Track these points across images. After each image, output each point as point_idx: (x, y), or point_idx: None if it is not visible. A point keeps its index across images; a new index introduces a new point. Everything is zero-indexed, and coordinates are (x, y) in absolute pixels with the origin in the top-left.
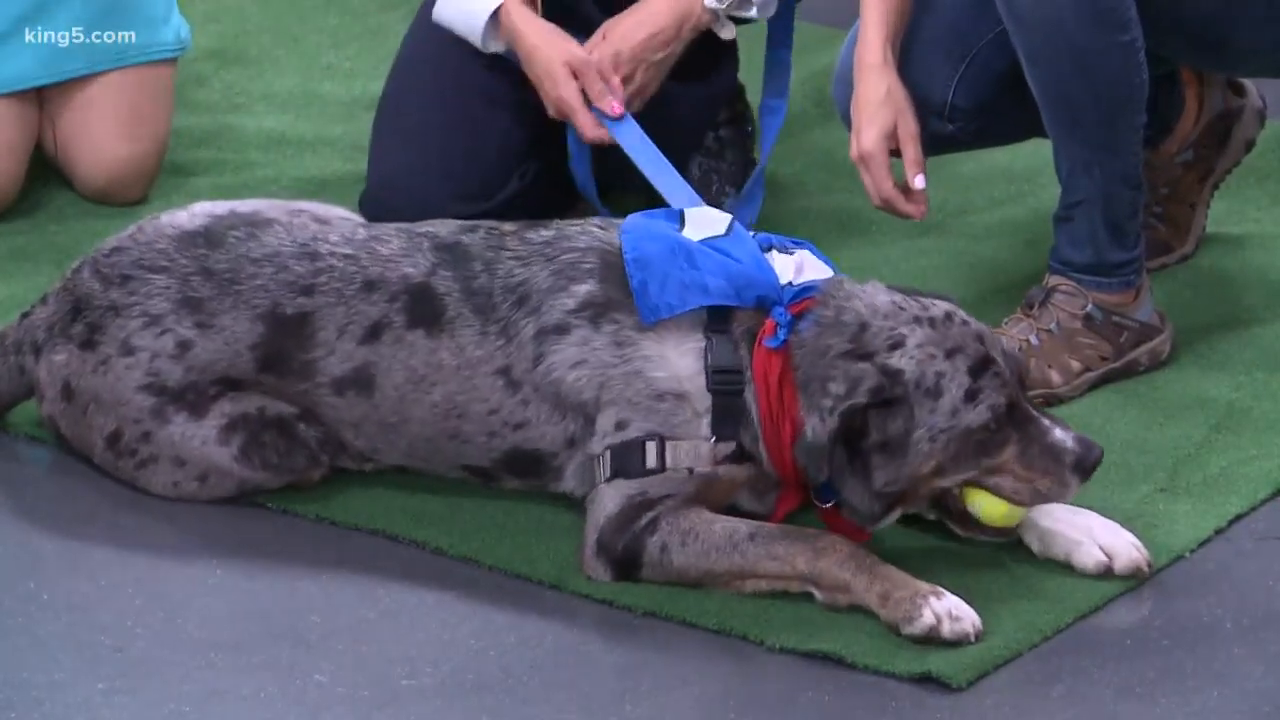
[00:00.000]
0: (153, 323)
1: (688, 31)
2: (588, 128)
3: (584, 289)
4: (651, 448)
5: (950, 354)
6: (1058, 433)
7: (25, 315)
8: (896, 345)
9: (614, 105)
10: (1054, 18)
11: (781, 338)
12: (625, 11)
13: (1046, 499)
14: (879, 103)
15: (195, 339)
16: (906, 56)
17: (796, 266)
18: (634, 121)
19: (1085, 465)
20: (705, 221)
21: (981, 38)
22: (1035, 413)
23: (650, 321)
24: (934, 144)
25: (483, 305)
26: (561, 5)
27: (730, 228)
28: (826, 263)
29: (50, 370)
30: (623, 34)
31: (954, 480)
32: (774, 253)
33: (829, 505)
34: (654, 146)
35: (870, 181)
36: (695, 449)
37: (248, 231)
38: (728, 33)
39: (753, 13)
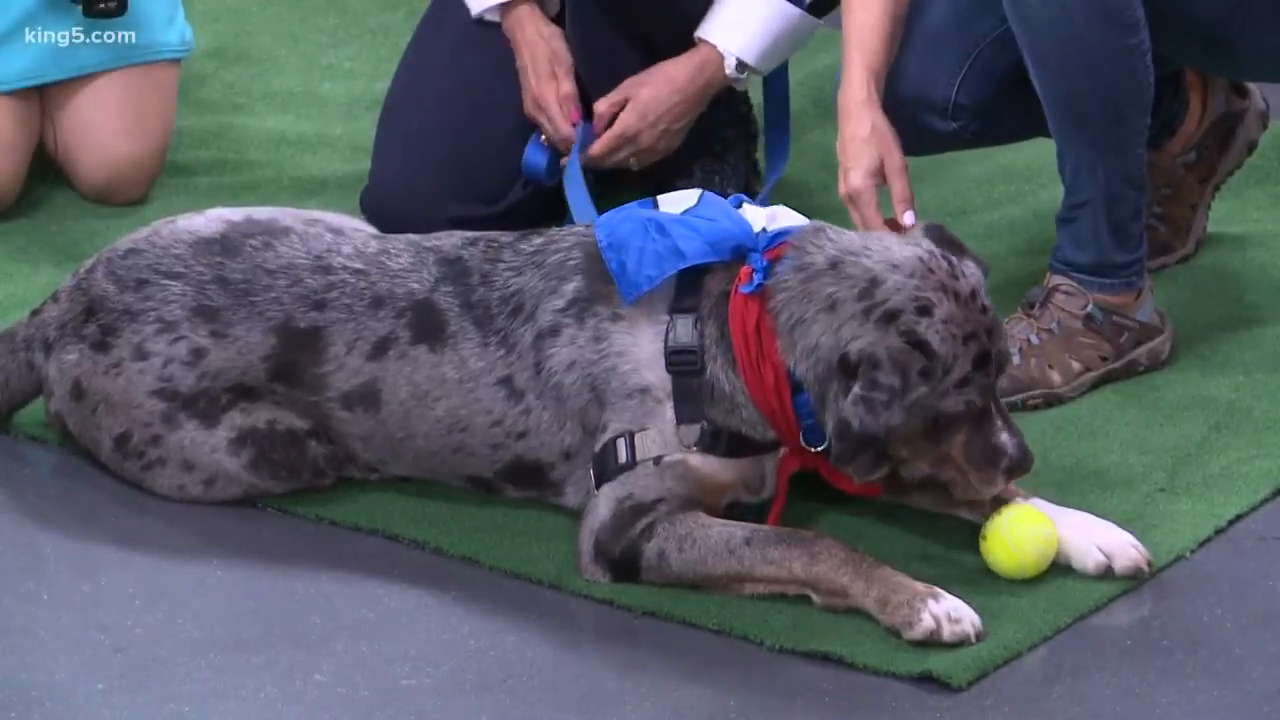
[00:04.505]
0: (167, 329)
1: (709, 96)
2: (560, 126)
3: (571, 286)
4: (621, 444)
5: (966, 339)
6: (1004, 436)
7: (35, 313)
8: (924, 311)
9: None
10: (1062, 19)
11: (758, 281)
12: (648, 72)
13: (974, 492)
14: (865, 140)
15: (209, 347)
16: (909, 55)
17: (770, 216)
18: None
19: (1015, 471)
20: (676, 200)
21: (985, 35)
22: (995, 410)
23: (631, 299)
24: (936, 143)
25: (481, 317)
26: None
27: (700, 199)
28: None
29: (60, 369)
30: (650, 101)
31: (910, 449)
32: (746, 207)
33: (818, 452)
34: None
35: (859, 219)
36: (661, 436)
37: (264, 241)
38: (744, 84)
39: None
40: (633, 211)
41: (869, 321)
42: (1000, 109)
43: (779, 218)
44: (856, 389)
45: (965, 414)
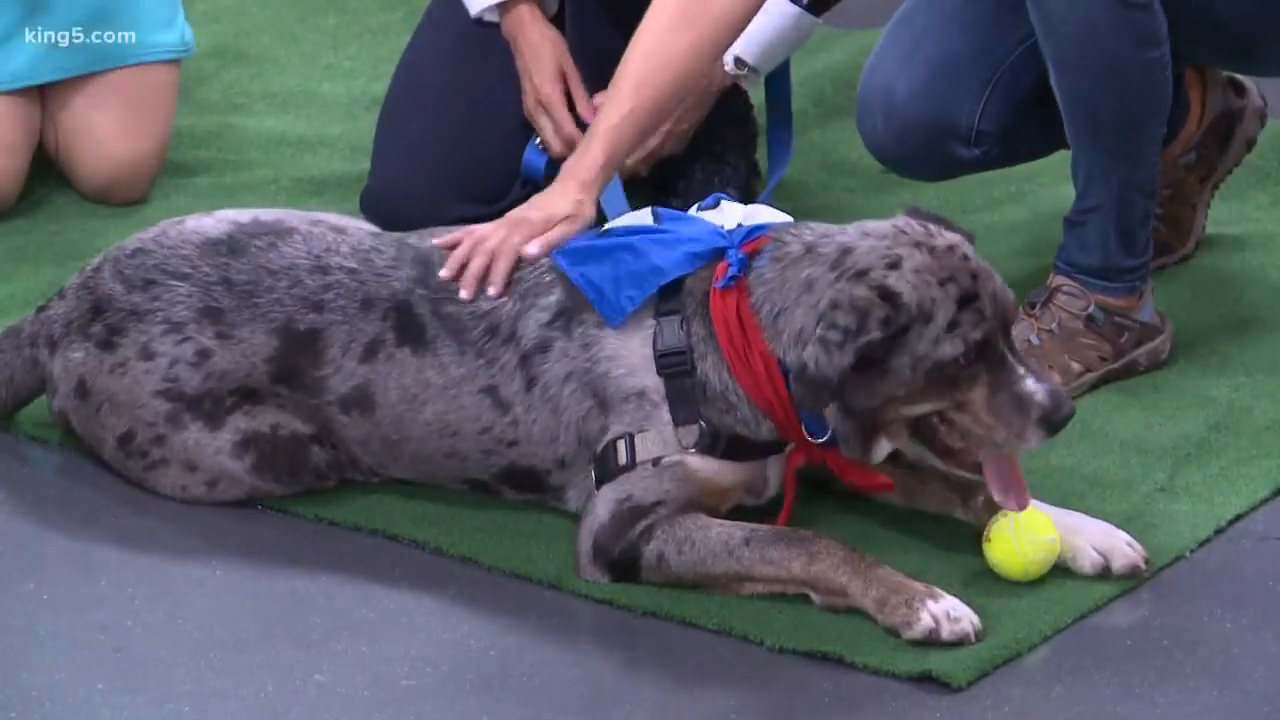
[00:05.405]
0: (174, 330)
1: (712, 96)
2: (566, 124)
3: (553, 299)
4: (621, 445)
5: (943, 282)
6: (1030, 382)
7: (41, 309)
8: (893, 266)
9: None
10: (1086, 28)
11: (733, 274)
12: None
13: (1001, 449)
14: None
15: (215, 348)
16: (928, 84)
17: (747, 213)
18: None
19: (1052, 421)
20: (631, 219)
21: (1004, 60)
22: (1012, 357)
23: (618, 323)
24: (960, 169)
25: (455, 329)
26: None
27: (657, 217)
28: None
29: (65, 366)
30: None
31: (923, 408)
32: (723, 204)
33: (822, 442)
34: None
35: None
36: (660, 437)
37: (269, 241)
38: (747, 83)
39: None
40: (595, 242)
41: (840, 281)
42: (1021, 130)
43: (756, 215)
44: (817, 332)
45: (970, 356)
